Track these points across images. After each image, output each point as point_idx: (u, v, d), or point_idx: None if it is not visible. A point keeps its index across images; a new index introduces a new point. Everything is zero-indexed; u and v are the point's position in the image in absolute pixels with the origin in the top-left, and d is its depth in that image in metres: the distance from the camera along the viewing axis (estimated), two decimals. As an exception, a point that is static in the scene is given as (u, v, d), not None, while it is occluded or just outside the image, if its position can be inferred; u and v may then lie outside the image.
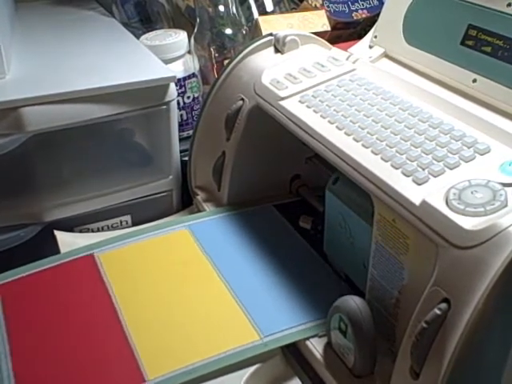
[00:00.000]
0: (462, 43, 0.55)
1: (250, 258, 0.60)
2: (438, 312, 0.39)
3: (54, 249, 0.64)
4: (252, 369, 0.50)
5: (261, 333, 0.51)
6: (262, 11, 0.87)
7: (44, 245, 0.66)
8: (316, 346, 0.50)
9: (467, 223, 0.39)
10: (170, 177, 0.73)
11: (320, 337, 0.51)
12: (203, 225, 0.65)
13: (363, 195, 0.49)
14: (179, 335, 0.52)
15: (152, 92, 0.66)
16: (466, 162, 0.45)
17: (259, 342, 0.51)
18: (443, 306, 0.39)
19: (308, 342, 0.51)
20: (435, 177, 0.44)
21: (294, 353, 0.52)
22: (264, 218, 0.66)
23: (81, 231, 0.69)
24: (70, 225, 0.68)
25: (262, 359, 0.50)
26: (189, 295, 0.56)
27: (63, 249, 0.64)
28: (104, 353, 0.50)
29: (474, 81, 0.53)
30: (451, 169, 0.44)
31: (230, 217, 0.66)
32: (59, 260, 0.60)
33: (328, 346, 0.50)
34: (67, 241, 0.66)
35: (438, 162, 0.45)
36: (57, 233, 0.66)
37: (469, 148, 0.46)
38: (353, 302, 0.46)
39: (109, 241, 0.63)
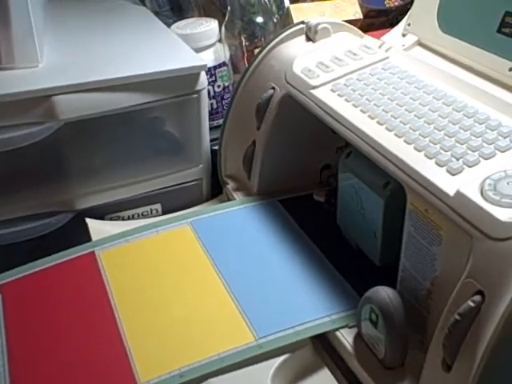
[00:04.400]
0: (499, 31, 0.54)
1: (255, 255, 0.59)
2: (472, 304, 0.38)
3: (85, 236, 0.65)
4: (281, 359, 0.49)
5: (256, 334, 0.51)
6: (294, -1, 0.86)
7: (75, 232, 0.66)
8: (346, 337, 0.50)
9: (503, 214, 0.39)
10: (201, 165, 0.73)
11: (350, 327, 0.50)
12: (205, 221, 0.65)
13: (374, 169, 0.51)
14: (174, 336, 0.51)
15: (183, 81, 0.66)
16: (502, 151, 0.44)
17: (254, 343, 0.50)
18: (477, 298, 0.38)
19: (338, 333, 0.50)
20: (470, 167, 0.43)
21: (323, 343, 0.52)
22: (271, 213, 0.65)
23: (111, 219, 0.70)
24: (100, 212, 0.69)
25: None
26: (187, 295, 0.55)
27: (94, 236, 0.64)
28: (98, 354, 0.50)
29: (511, 69, 0.52)
30: (486, 159, 0.44)
31: (236, 212, 0.66)
32: (60, 258, 0.60)
33: (358, 336, 0.50)
34: (98, 228, 0.66)
35: (473, 151, 0.44)
36: (88, 220, 0.67)
37: (504, 138, 0.45)
38: (384, 292, 0.45)
39: (110, 238, 0.63)
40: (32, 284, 0.58)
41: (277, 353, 0.49)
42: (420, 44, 0.62)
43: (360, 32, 0.67)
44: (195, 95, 0.68)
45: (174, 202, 0.72)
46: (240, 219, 0.65)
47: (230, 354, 0.49)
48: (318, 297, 0.54)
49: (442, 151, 0.45)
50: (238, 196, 0.69)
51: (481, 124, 0.47)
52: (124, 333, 0.52)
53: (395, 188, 0.50)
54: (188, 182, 0.73)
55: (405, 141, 0.48)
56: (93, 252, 0.61)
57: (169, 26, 0.79)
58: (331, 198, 0.64)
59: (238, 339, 0.50)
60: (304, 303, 0.53)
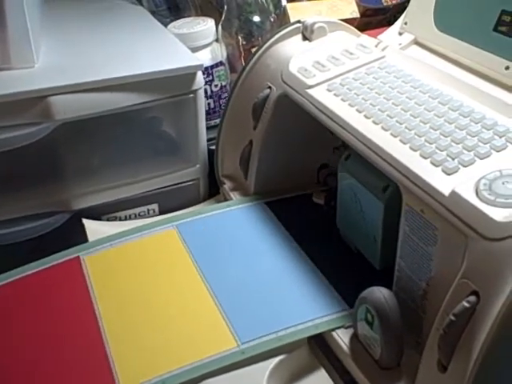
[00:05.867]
0: (495, 29, 0.53)
1: (249, 256, 0.59)
2: (467, 305, 0.38)
3: (82, 237, 0.65)
4: (277, 359, 0.49)
5: (239, 340, 0.50)
6: (290, -2, 0.86)
7: (73, 233, 0.66)
8: (342, 338, 0.50)
9: (498, 214, 0.38)
10: (197, 165, 0.73)
11: (346, 328, 0.50)
12: (193, 224, 0.64)
13: (374, 171, 0.50)
14: (156, 343, 0.51)
15: (179, 80, 0.66)
16: (498, 151, 0.44)
17: (236, 349, 0.49)
18: (472, 298, 0.38)
19: (334, 334, 0.50)
20: (465, 167, 0.43)
21: (319, 344, 0.52)
22: (268, 213, 0.65)
23: (108, 219, 0.70)
24: (97, 213, 0.69)
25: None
26: (170, 300, 0.55)
27: (91, 237, 0.64)
28: (80, 362, 0.50)
29: (507, 68, 0.52)
30: (482, 158, 0.44)
31: (233, 212, 0.65)
32: (45, 264, 0.59)
33: (354, 337, 0.49)
34: (95, 229, 0.66)
35: (469, 151, 0.44)
36: (85, 221, 0.67)
37: (500, 137, 0.45)
38: (380, 293, 0.45)
39: (95, 243, 0.62)
40: (15, 291, 0.57)
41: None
42: (416, 43, 0.62)
43: (356, 31, 0.67)
44: (192, 95, 0.68)
45: (171, 202, 0.72)
46: (236, 219, 0.64)
47: (212, 360, 0.49)
48: (313, 298, 0.53)
49: (437, 151, 0.45)
50: (234, 196, 0.69)
51: (476, 123, 0.47)
52: (106, 340, 0.51)
53: (395, 191, 0.49)
54: (185, 181, 0.73)
55: (400, 140, 0.48)
56: (78, 257, 0.60)
57: (166, 25, 0.79)
58: (331, 200, 0.64)
59: (220, 345, 0.50)
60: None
